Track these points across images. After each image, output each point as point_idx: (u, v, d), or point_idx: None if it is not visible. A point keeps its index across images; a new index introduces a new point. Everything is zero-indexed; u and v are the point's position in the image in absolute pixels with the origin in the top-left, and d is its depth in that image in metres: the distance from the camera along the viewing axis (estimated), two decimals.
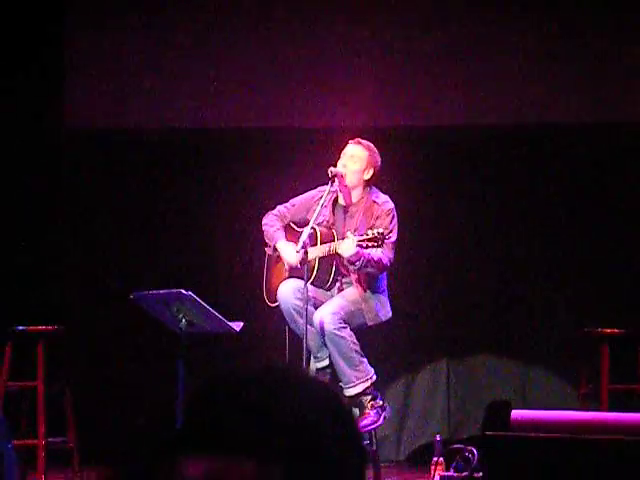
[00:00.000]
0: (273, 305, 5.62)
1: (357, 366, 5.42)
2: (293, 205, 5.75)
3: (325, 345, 5.49)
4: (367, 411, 5.41)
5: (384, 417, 5.48)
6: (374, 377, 5.48)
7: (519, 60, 6.79)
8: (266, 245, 5.78)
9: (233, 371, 1.13)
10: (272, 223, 5.73)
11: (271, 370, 1.13)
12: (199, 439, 1.04)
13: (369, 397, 5.44)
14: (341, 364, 5.40)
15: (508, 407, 6.42)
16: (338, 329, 5.38)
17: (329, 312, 5.41)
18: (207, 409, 1.07)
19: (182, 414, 1.14)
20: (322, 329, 5.40)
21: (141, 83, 6.99)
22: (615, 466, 4.15)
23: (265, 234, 5.74)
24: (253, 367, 1.16)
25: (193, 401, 1.11)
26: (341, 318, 5.41)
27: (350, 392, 5.39)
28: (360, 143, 5.62)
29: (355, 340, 5.42)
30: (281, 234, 5.68)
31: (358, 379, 5.42)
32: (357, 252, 5.28)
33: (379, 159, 5.62)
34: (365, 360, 5.47)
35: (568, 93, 6.78)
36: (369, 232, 5.23)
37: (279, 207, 5.77)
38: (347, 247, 5.30)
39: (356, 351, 5.42)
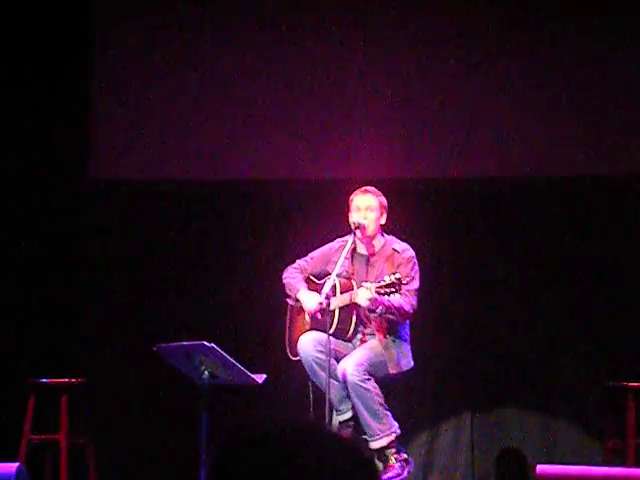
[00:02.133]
0: (295, 358, 5.62)
1: (381, 419, 5.39)
2: (312, 258, 5.81)
3: (348, 397, 5.47)
4: (391, 464, 5.37)
5: (408, 471, 5.45)
6: (398, 431, 5.45)
7: (524, 114, 6.81)
8: (288, 297, 5.80)
9: (259, 429, 1.13)
10: (293, 275, 5.77)
11: (297, 428, 1.13)
12: None
13: (393, 450, 5.41)
14: (365, 416, 5.37)
15: (528, 459, 6.37)
16: (362, 381, 5.36)
17: (353, 363, 5.39)
18: (237, 468, 1.07)
19: (209, 471, 1.13)
20: (345, 381, 5.38)
21: (163, 135, 7.04)
22: None
23: (287, 286, 5.78)
24: (279, 423, 1.15)
25: (221, 460, 1.10)
26: (365, 370, 5.39)
27: (375, 445, 5.36)
28: (368, 191, 5.72)
29: (379, 392, 5.40)
30: (303, 285, 5.73)
31: (382, 432, 5.39)
32: (375, 299, 5.29)
33: (385, 200, 5.71)
34: (389, 413, 5.44)
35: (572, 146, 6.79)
36: (386, 278, 5.25)
37: (298, 261, 5.83)
38: (363, 295, 5.32)
39: (380, 404, 5.40)
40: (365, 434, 5.36)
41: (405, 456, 5.44)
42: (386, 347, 5.53)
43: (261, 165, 6.99)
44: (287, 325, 5.84)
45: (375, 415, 5.37)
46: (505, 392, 6.81)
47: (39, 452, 6.03)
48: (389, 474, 5.33)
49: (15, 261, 6.76)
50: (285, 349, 5.75)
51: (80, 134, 6.97)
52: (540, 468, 4.58)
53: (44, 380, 5.99)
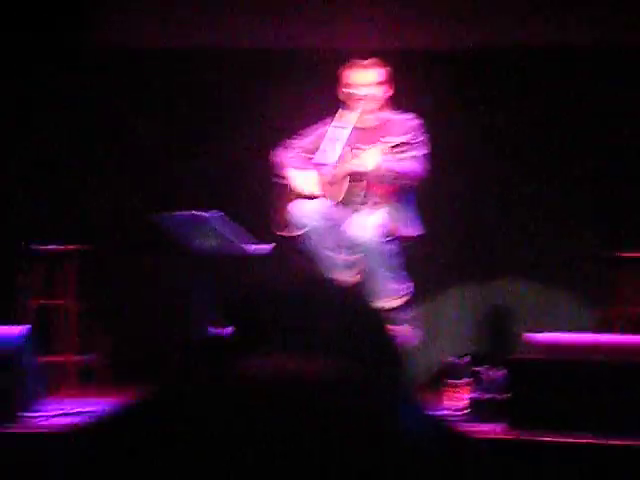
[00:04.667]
0: (284, 233, 5.51)
1: (397, 279, 5.36)
2: (306, 137, 5.66)
3: (354, 263, 5.42)
4: (401, 326, 5.36)
5: (417, 338, 5.51)
6: (411, 290, 5.43)
7: None
8: (280, 177, 5.67)
9: (269, 285, 1.18)
10: (288, 154, 5.63)
11: (306, 280, 1.18)
12: (266, 341, 1.09)
13: (404, 312, 5.42)
14: (381, 275, 5.31)
15: (529, 328, 6.51)
16: (383, 241, 5.29)
17: (373, 224, 5.30)
18: (270, 315, 1.12)
19: (229, 319, 1.17)
20: (364, 241, 5.30)
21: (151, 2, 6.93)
22: (636, 388, 4.24)
23: (281, 165, 5.64)
24: (291, 280, 1.20)
25: (246, 308, 1.15)
26: (387, 230, 5.33)
27: (388, 304, 5.32)
28: (368, 66, 5.51)
29: (398, 253, 5.35)
30: (298, 164, 5.59)
31: (397, 292, 5.36)
32: (384, 162, 5.23)
33: (388, 71, 5.55)
34: (404, 274, 5.41)
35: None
36: (396, 139, 5.21)
37: (294, 140, 5.67)
38: (371, 159, 5.27)
39: (398, 264, 5.36)
40: (379, 294, 5.31)
41: (414, 321, 5.47)
42: (398, 210, 5.49)
43: (256, 33, 6.88)
44: (282, 204, 5.72)
45: (391, 275, 5.33)
46: (502, 263, 6.90)
47: (47, 317, 6.11)
48: (399, 337, 5.32)
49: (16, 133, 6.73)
50: (277, 227, 5.65)
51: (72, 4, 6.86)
52: (536, 336, 4.71)
53: (52, 246, 6.04)
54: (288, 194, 5.61)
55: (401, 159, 5.23)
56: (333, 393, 1.03)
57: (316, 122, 5.69)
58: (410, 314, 5.44)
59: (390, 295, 5.36)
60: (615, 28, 6.69)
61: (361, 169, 5.37)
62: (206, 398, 1.02)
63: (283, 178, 5.64)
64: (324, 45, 6.69)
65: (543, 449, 4.25)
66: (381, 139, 5.47)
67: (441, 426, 1.08)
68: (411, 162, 5.34)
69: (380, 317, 1.26)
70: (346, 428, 1.00)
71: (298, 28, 6.86)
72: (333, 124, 5.54)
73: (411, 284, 5.43)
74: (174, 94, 6.95)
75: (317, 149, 5.48)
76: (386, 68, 5.55)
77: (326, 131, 5.55)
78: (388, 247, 5.30)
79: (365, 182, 5.46)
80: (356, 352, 1.14)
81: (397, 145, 5.17)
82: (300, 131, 5.71)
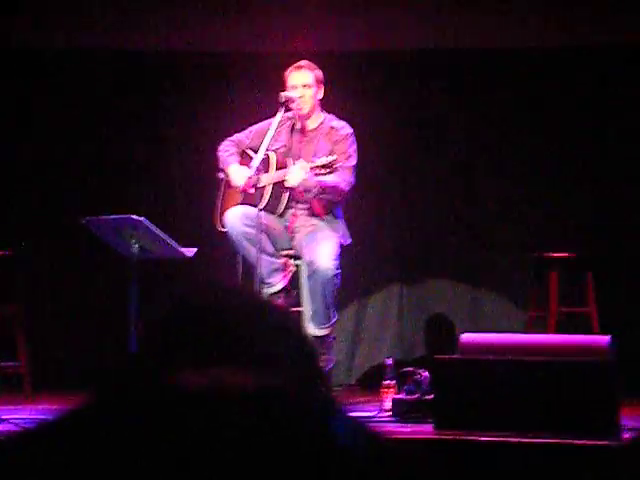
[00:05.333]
0: (224, 230, 5.63)
1: (331, 310, 5.49)
2: (250, 132, 5.76)
3: (276, 271, 5.53)
4: (325, 354, 5.50)
5: (332, 363, 5.62)
6: (335, 321, 5.57)
7: None
8: (219, 170, 5.78)
9: (191, 297, 1.15)
10: (226, 149, 5.73)
11: (229, 293, 1.15)
12: (191, 355, 1.06)
13: (329, 340, 5.54)
14: (320, 304, 5.43)
15: (455, 329, 6.52)
16: (336, 275, 5.41)
17: (328, 257, 5.39)
18: (188, 329, 1.09)
19: (149, 335, 1.15)
20: (316, 271, 5.38)
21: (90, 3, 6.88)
22: (561, 387, 4.25)
23: (219, 159, 5.75)
24: (210, 288, 1.17)
25: (169, 322, 1.12)
26: (338, 261, 5.44)
27: (317, 332, 5.45)
28: (302, 66, 5.61)
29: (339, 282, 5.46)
30: (234, 159, 5.69)
31: (329, 321, 5.50)
32: (307, 180, 5.29)
33: (321, 73, 5.62)
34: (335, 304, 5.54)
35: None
36: (322, 159, 5.24)
37: (236, 134, 5.78)
38: (295, 176, 5.31)
39: (336, 295, 5.48)
40: (311, 321, 5.45)
41: (333, 342, 5.59)
42: (329, 223, 5.57)
43: (194, 37, 6.87)
44: (219, 198, 5.82)
45: (329, 305, 5.46)
46: (433, 263, 6.93)
47: None
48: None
49: None
50: (214, 221, 5.75)
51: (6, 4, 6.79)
52: (464, 336, 4.71)
53: None
54: (230, 192, 5.67)
55: (327, 173, 5.26)
56: (257, 404, 0.99)
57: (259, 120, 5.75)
58: (332, 344, 5.54)
59: (321, 324, 5.47)
60: (590, 29, 6.73)
61: (285, 183, 5.41)
62: (137, 410, 0.99)
63: (224, 172, 5.69)
64: (271, 49, 6.69)
65: (467, 449, 4.25)
66: (314, 146, 5.52)
67: (360, 429, 1.05)
68: (338, 175, 5.36)
69: (300, 330, 1.22)
70: (267, 436, 0.97)
71: (245, 31, 6.85)
72: (268, 124, 5.58)
73: (337, 315, 5.55)
74: (108, 96, 6.90)
75: (259, 146, 5.49)
76: (316, 70, 5.58)
77: (262, 128, 5.62)
78: (339, 279, 5.36)
79: (288, 192, 5.50)
80: (275, 364, 1.11)
81: (324, 165, 5.19)
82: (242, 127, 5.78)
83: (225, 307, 1.12)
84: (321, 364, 5.36)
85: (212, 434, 0.96)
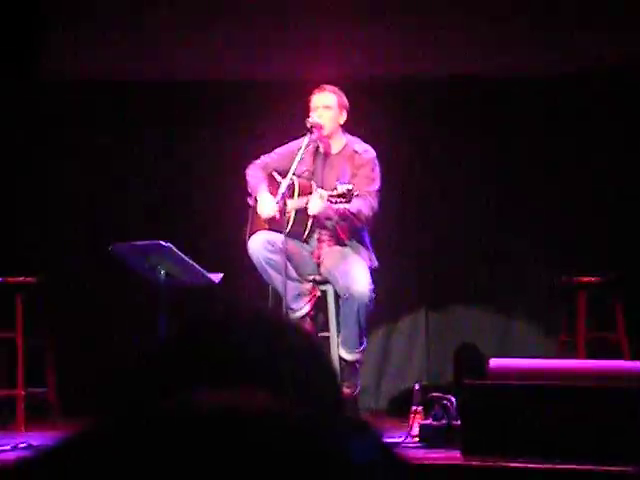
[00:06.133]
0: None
1: (363, 336, 5.53)
2: (277, 154, 5.76)
3: (300, 295, 5.53)
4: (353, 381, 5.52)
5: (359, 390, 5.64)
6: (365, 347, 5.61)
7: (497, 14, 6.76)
8: (249, 195, 5.78)
9: (214, 318, 1.14)
10: (255, 174, 5.72)
11: (254, 314, 1.14)
12: (208, 374, 1.05)
13: (357, 365, 5.57)
14: (353, 329, 5.46)
15: (483, 354, 6.48)
16: (371, 300, 5.44)
17: (366, 284, 5.42)
18: (209, 347, 1.08)
19: (165, 352, 1.14)
20: (351, 297, 5.40)
21: (115, 35, 6.92)
22: (591, 413, 4.20)
23: (248, 184, 5.75)
24: (238, 310, 1.17)
25: (186, 339, 1.11)
26: (371, 285, 5.46)
27: (348, 357, 5.48)
28: (325, 89, 5.63)
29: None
30: (263, 185, 5.67)
31: (360, 347, 5.52)
32: (327, 209, 5.28)
33: (346, 99, 5.64)
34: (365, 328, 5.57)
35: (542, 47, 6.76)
36: (339, 187, 5.22)
37: (263, 157, 5.78)
38: (315, 205, 5.30)
39: (368, 320, 5.51)
40: (341, 344, 5.47)
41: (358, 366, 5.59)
42: (352, 247, 5.56)
43: (222, 65, 6.89)
44: (248, 222, 5.82)
45: (362, 330, 5.49)
46: (460, 288, 6.89)
47: None
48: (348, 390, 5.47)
49: None
50: (246, 245, 5.74)
51: (28, 36, 6.83)
52: (493, 362, 4.67)
53: None
54: (255, 214, 5.69)
55: (346, 202, 5.23)
56: (277, 427, 0.98)
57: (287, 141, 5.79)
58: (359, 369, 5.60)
59: (352, 348, 5.49)
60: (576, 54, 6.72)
61: (308, 211, 5.42)
62: (145, 432, 0.98)
63: (252, 198, 5.71)
64: (296, 77, 6.71)
65: (495, 476, 4.21)
66: (337, 171, 5.52)
67: (389, 454, 1.03)
68: (361, 200, 5.34)
69: (324, 353, 1.20)
70: (292, 461, 0.96)
71: (272, 61, 6.87)
72: (294, 146, 5.62)
73: (366, 340, 5.59)
74: (134, 124, 6.93)
75: (285, 168, 5.54)
76: (339, 94, 5.59)
77: (287, 150, 5.67)
78: (372, 305, 5.39)
79: (310, 218, 5.52)
80: (296, 386, 1.09)
81: (342, 194, 5.16)
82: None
83: (245, 326, 1.11)
84: (347, 390, 5.35)
85: (225, 455, 0.94)
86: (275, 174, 5.72)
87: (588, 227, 6.70)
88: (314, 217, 5.50)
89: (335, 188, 5.21)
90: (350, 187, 5.19)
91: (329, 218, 5.40)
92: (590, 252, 6.63)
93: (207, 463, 0.91)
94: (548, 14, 6.72)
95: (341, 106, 5.61)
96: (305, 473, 0.92)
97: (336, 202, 5.21)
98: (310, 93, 5.70)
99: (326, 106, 5.58)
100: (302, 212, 5.52)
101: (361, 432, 1.00)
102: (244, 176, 5.77)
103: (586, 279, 6.30)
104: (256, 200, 5.68)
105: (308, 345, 1.13)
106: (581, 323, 6.25)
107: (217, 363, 1.05)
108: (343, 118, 5.63)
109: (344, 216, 5.36)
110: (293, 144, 5.70)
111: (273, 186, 5.63)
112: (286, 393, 1.04)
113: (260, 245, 5.50)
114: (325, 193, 5.25)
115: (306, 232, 5.59)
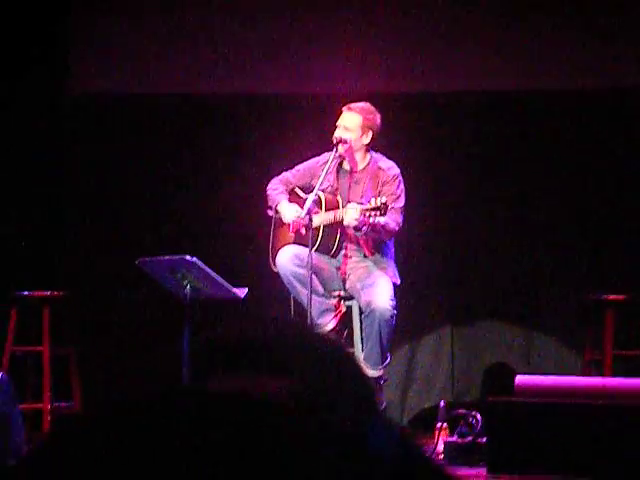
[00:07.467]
0: (276, 269, 5.64)
1: (387, 352, 5.53)
2: (298, 170, 5.76)
3: (326, 311, 5.52)
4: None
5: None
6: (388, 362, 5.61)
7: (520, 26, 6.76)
8: (269, 208, 5.79)
9: (241, 332, 1.14)
10: (275, 187, 5.75)
11: (288, 326, 1.14)
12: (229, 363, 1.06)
13: (381, 382, 5.55)
14: (376, 345, 5.44)
15: (509, 371, 6.45)
16: (393, 316, 5.43)
17: (387, 297, 5.42)
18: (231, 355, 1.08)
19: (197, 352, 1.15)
20: (373, 311, 5.40)
21: (145, 49, 6.96)
22: (617, 431, 4.17)
23: (268, 197, 5.76)
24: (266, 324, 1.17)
25: (218, 348, 1.11)
26: (393, 300, 5.45)
27: (372, 373, 5.44)
28: (351, 109, 5.58)
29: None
30: (283, 197, 5.69)
31: (383, 363, 5.51)
32: (361, 220, 5.28)
33: (377, 119, 5.58)
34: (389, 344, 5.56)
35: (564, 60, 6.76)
36: (373, 201, 5.22)
37: (284, 173, 5.79)
38: (351, 215, 5.30)
39: (391, 336, 5.50)
40: (365, 360, 5.45)
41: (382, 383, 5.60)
42: (377, 262, 5.56)
43: (249, 80, 6.92)
44: (271, 237, 5.83)
45: (385, 346, 5.48)
46: (486, 304, 6.87)
47: (22, 363, 6.08)
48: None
49: None
50: (268, 260, 5.76)
51: (58, 51, 6.89)
52: (519, 379, 4.65)
53: (26, 293, 6.01)
54: (282, 230, 5.69)
55: (381, 215, 5.25)
56: (301, 413, 0.99)
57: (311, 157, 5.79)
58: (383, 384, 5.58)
59: (376, 364, 5.47)
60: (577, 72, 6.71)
61: (339, 221, 5.42)
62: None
63: (273, 210, 5.72)
64: (322, 91, 6.73)
65: None
66: (361, 188, 5.52)
67: (397, 437, 1.04)
68: (387, 216, 5.35)
69: (358, 368, 1.21)
70: (315, 448, 0.97)
71: (297, 74, 6.90)
72: (315, 163, 5.64)
73: (390, 356, 5.58)
74: (159, 137, 6.96)
75: (306, 184, 5.59)
76: (368, 115, 5.55)
77: (309, 166, 5.68)
78: (395, 320, 5.39)
79: (339, 232, 5.50)
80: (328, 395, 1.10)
81: (376, 208, 5.17)
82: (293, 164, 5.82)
83: (279, 338, 1.11)
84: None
85: (241, 437, 0.95)
86: (298, 190, 5.73)
87: (617, 245, 6.66)
88: (343, 230, 5.50)
89: (369, 202, 5.22)
90: (385, 200, 5.19)
91: (358, 229, 5.39)
92: (618, 270, 6.59)
93: (220, 439, 0.93)
94: (580, 31, 6.72)
95: (365, 127, 5.55)
96: (312, 454, 0.92)
97: (370, 215, 5.21)
98: (335, 108, 5.69)
99: (346, 127, 5.56)
100: (329, 227, 5.53)
101: (383, 426, 1.00)
102: (265, 191, 5.78)
103: (613, 297, 6.27)
104: (277, 211, 5.68)
105: (341, 356, 1.13)
106: (608, 341, 6.22)
107: (252, 371, 1.06)
108: (367, 138, 5.57)
109: (373, 228, 5.36)
110: (313, 160, 5.71)
111: (296, 202, 5.63)
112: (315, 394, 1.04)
113: (288, 259, 5.50)
114: (358, 206, 5.26)
115: (335, 247, 5.59)
